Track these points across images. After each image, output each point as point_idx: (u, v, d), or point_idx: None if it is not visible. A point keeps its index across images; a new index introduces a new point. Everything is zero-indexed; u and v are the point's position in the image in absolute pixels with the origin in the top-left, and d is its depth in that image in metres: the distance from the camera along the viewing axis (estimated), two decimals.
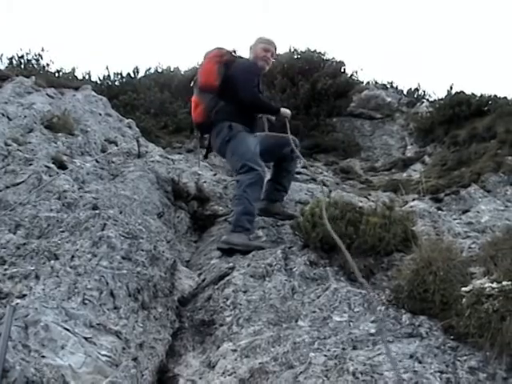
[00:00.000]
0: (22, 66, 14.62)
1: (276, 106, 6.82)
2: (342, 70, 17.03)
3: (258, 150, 6.22)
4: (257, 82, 6.37)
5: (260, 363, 3.59)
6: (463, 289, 3.83)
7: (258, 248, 5.47)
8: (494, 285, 3.70)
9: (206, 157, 7.22)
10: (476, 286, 3.78)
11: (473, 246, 5.32)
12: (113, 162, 8.24)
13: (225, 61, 6.32)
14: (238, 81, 6.19)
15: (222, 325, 4.29)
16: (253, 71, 6.40)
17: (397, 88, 18.18)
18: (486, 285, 3.74)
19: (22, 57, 15.05)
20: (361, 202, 7.74)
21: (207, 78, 6.27)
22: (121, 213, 5.45)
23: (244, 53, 6.79)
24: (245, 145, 6.14)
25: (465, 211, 8.17)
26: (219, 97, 6.25)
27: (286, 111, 6.69)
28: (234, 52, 6.56)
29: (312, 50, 17.08)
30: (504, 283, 3.67)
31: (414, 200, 8.29)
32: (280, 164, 6.78)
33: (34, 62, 15.21)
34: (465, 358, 3.47)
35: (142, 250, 4.82)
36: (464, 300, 3.72)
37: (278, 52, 6.82)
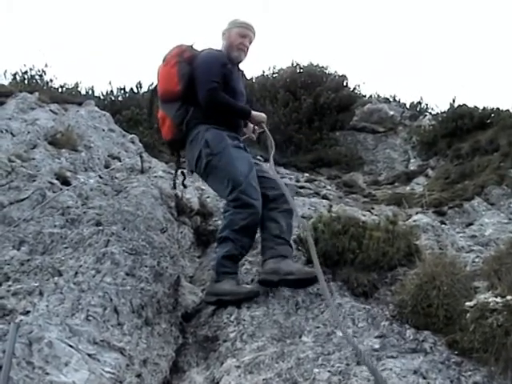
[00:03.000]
0: (26, 82, 14.70)
1: (246, 108, 5.28)
2: (345, 84, 17.12)
3: (254, 170, 4.94)
4: (220, 75, 5.03)
5: (264, 379, 3.58)
6: (467, 303, 3.82)
7: (250, 294, 4.65)
8: (498, 299, 3.70)
9: (184, 177, 5.83)
10: (480, 300, 3.78)
11: (476, 259, 5.32)
12: (116, 178, 8.26)
13: (187, 59, 5.08)
14: (196, 77, 4.99)
15: (225, 341, 4.29)
16: (213, 62, 5.06)
17: (399, 101, 18.21)
18: (490, 299, 3.73)
19: (26, 72, 15.13)
20: (364, 215, 7.73)
21: (167, 85, 5.09)
22: (124, 229, 5.45)
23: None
24: (235, 164, 4.80)
25: (468, 224, 8.17)
26: (187, 103, 5.03)
27: (260, 115, 5.34)
28: (193, 45, 5.30)
29: (314, 64, 17.18)
30: (508, 297, 3.67)
31: (417, 214, 8.27)
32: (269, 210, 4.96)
33: (37, 77, 15.29)
34: (469, 373, 3.47)
35: (146, 266, 4.83)
36: (468, 315, 3.72)
37: (255, 38, 5.40)
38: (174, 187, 6.69)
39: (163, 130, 5.37)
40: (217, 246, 4.93)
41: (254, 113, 5.26)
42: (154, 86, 5.54)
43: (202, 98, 4.95)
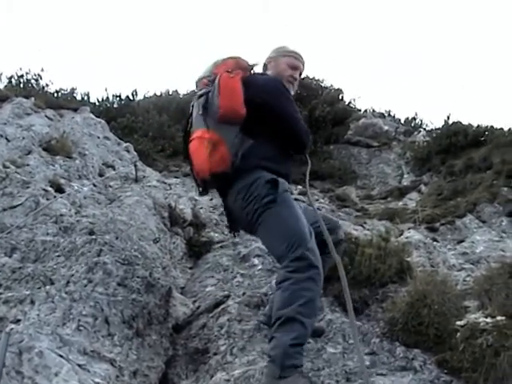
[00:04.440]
0: (22, 86, 14.69)
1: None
2: (340, 98, 17.19)
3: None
4: None
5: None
6: (458, 323, 3.85)
7: None
8: (489, 319, 3.72)
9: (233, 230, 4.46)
10: (470, 320, 3.81)
11: (467, 278, 5.35)
12: (110, 187, 8.26)
13: (243, 79, 4.05)
14: (288, 115, 4.10)
15: (215, 354, 4.29)
16: (291, 98, 4.27)
17: (394, 117, 18.34)
18: (481, 319, 3.76)
19: (22, 76, 15.15)
20: (356, 230, 7.75)
21: (232, 101, 3.92)
22: (117, 238, 5.45)
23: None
24: (296, 218, 3.80)
25: (460, 241, 8.19)
26: (245, 132, 3.96)
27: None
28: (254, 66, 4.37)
29: (310, 76, 17.21)
30: (498, 318, 3.70)
31: (409, 229, 8.31)
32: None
33: (33, 81, 15.30)
34: None
35: (138, 277, 4.82)
36: (458, 334, 3.74)
37: (304, 69, 4.60)
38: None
39: (212, 158, 3.89)
40: (276, 328, 3.44)
41: None
42: (201, 92, 4.23)
43: (304, 144, 4.24)
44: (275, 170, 3.97)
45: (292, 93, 4.38)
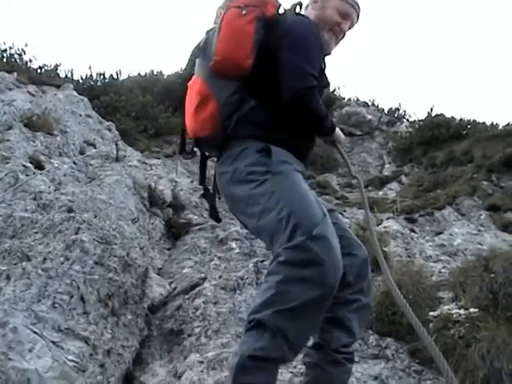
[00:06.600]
0: (5, 60, 14.53)
1: (333, 123, 3.22)
2: None
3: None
4: (318, 67, 3.02)
5: (226, 376, 3.61)
6: (431, 313, 3.89)
7: None
8: (462, 311, 3.77)
9: (211, 204, 3.32)
10: (444, 311, 3.86)
11: (443, 270, 5.39)
12: (90, 165, 8.22)
13: (268, 18, 2.99)
14: (285, 60, 2.89)
15: (190, 335, 4.31)
16: (314, 43, 3.00)
17: (378, 106, 18.33)
18: (454, 311, 3.81)
19: (5, 51, 14.97)
20: None
21: (234, 48, 2.89)
22: (95, 217, 5.44)
23: None
24: (300, 194, 2.67)
25: (438, 233, 8.24)
26: (247, 90, 2.94)
27: (340, 134, 3.36)
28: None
29: None
30: (471, 310, 3.74)
31: (388, 219, 8.35)
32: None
33: (16, 56, 15.13)
34: (429, 382, 3.54)
35: (115, 256, 4.81)
36: (431, 325, 3.78)
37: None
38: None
39: (197, 116, 3.00)
40: (245, 331, 2.54)
41: (337, 129, 3.30)
42: (200, 43, 3.19)
43: (290, 97, 2.86)
44: (279, 143, 2.87)
45: (331, 49, 3.28)
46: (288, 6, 3.15)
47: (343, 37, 3.29)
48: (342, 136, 3.39)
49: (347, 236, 2.93)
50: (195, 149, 3.25)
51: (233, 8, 2.96)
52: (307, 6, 3.30)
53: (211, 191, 3.25)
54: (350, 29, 3.30)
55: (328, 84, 3.36)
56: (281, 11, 3.10)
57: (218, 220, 3.33)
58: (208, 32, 3.12)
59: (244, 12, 2.93)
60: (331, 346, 2.70)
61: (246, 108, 2.92)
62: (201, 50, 3.12)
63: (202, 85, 3.01)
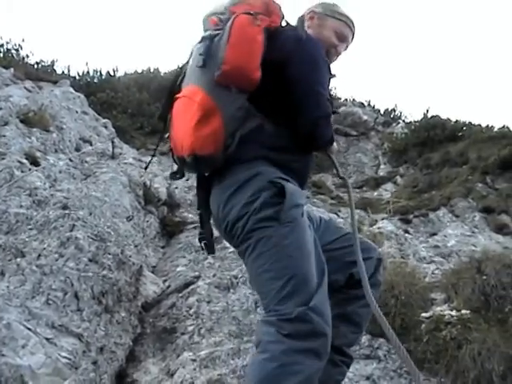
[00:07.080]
0: (1, 56, 14.48)
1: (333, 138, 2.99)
2: None
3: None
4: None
5: (219, 375, 3.63)
6: (423, 314, 3.92)
7: None
8: (454, 313, 3.79)
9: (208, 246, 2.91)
10: (436, 312, 3.88)
11: (436, 271, 5.41)
12: (86, 162, 8.21)
13: (271, 28, 2.74)
14: (301, 81, 2.71)
15: (183, 333, 4.33)
16: (323, 63, 2.81)
17: (374, 107, 18.33)
18: (446, 312, 3.83)
19: (2, 46, 14.90)
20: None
21: (245, 59, 2.62)
22: (90, 214, 5.44)
23: None
24: (302, 252, 2.46)
25: (432, 234, 8.26)
26: (253, 105, 2.65)
27: (335, 145, 3.09)
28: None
29: None
30: (463, 312, 3.77)
31: (382, 220, 8.36)
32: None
33: (13, 52, 15.07)
34: None
35: (109, 254, 4.82)
36: (423, 326, 3.81)
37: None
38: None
39: (197, 132, 2.55)
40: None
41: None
42: (206, 34, 2.79)
43: (310, 125, 2.70)
44: (285, 165, 2.66)
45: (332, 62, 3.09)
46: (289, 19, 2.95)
47: (336, 59, 3.12)
48: (336, 147, 3.11)
49: (361, 241, 2.78)
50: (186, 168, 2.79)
51: (243, 14, 2.68)
52: (301, 21, 3.08)
53: (208, 218, 2.85)
54: (346, 48, 3.16)
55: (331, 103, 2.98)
56: (283, 23, 2.90)
57: (212, 252, 2.95)
58: (205, 39, 2.75)
59: (258, 22, 2.67)
60: (334, 343, 2.49)
61: (250, 125, 2.65)
62: (201, 58, 2.70)
63: (205, 97, 2.61)
